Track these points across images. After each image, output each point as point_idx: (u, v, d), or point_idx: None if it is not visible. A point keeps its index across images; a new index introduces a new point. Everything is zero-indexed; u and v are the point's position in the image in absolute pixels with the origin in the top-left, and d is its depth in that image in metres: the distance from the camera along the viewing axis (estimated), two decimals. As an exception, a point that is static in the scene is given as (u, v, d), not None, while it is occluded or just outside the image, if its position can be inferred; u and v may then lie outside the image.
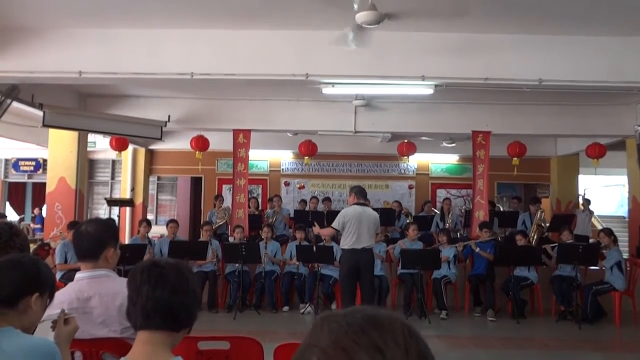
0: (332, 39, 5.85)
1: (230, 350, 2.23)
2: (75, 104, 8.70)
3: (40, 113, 7.48)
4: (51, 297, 1.84)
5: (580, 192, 12.19)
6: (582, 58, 5.97)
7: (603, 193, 17.22)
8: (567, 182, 12.19)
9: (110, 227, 2.35)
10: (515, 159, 9.59)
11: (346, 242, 6.17)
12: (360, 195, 6.35)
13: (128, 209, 11.80)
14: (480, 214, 8.80)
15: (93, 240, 2.21)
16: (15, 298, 1.70)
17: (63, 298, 2.30)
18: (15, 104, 6.89)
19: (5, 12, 5.54)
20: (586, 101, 8.56)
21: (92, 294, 2.22)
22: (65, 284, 2.44)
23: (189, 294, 1.58)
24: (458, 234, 9.94)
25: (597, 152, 9.48)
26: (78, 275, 2.31)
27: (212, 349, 2.29)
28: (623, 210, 14.17)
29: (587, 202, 10.70)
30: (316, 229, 6.85)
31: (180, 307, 1.55)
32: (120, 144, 9.80)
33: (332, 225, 6.36)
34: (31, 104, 7.22)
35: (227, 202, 10.67)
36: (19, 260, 1.79)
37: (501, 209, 10.74)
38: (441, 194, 12.59)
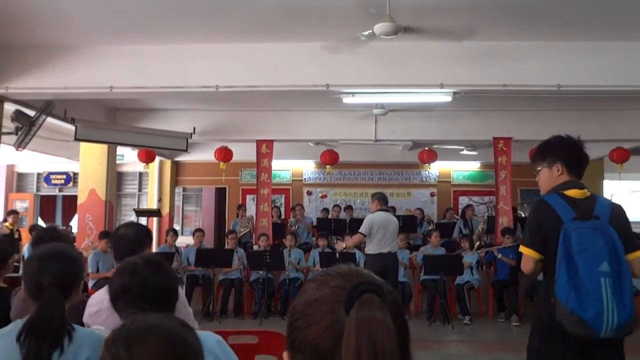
0: (352, 50, 6.02)
1: (258, 344, 2.38)
2: (104, 118, 9.02)
3: (71, 127, 7.78)
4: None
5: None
6: (600, 63, 6.00)
7: (630, 198, 16.93)
8: (591, 187, 11.66)
9: (146, 230, 2.52)
10: (538, 165, 9.54)
11: (373, 248, 6.36)
12: (383, 201, 6.59)
13: (155, 219, 12.09)
14: (504, 220, 8.81)
15: (133, 242, 2.37)
16: (72, 290, 1.82)
17: (102, 297, 2.47)
18: (48, 119, 7.20)
19: (40, 32, 5.85)
20: (608, 106, 8.52)
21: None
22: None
23: (177, 280, 1.80)
24: (481, 240, 9.95)
25: (621, 157, 9.42)
26: (117, 275, 2.47)
27: (241, 343, 2.44)
28: (651, 216, 13.92)
29: None
30: (344, 244, 6.98)
31: (174, 291, 1.74)
32: (147, 156, 10.09)
33: (359, 231, 6.51)
34: (64, 118, 7.52)
35: (250, 211, 10.87)
36: (66, 251, 1.89)
37: (522, 215, 10.69)
38: (463, 201, 12.59)
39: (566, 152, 2.50)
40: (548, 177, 2.53)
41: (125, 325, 1.09)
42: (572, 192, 2.41)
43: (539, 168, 2.55)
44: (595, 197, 2.44)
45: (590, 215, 2.32)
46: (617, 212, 2.40)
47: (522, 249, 2.42)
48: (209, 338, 1.74)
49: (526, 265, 2.38)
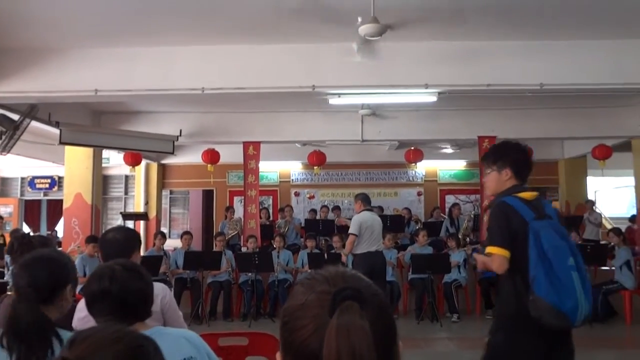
0: (337, 52, 6.05)
1: (249, 346, 2.39)
2: (89, 121, 8.96)
3: (56, 131, 7.71)
4: (75, 285, 1.97)
5: (591, 195, 12.21)
6: (582, 61, 6.10)
7: (614, 195, 17.17)
8: (575, 184, 12.25)
9: (135, 233, 2.52)
10: (523, 162, 9.67)
11: (362, 247, 6.37)
12: (367, 202, 6.64)
13: (142, 222, 12.02)
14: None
15: (122, 246, 2.37)
16: (54, 293, 1.82)
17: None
18: (32, 123, 7.14)
19: (24, 35, 5.80)
20: (591, 103, 8.66)
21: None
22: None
23: (152, 285, 1.79)
24: (467, 238, 10.03)
25: (603, 154, 9.57)
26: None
27: (231, 345, 2.45)
28: (635, 211, 14.13)
29: (591, 203, 10.73)
30: (344, 257, 6.96)
31: (151, 295, 1.75)
32: (133, 159, 10.03)
33: (351, 232, 6.48)
34: (48, 122, 7.45)
35: (238, 213, 10.86)
36: (49, 255, 1.89)
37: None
38: (450, 199, 12.70)
39: (515, 158, 2.63)
40: (496, 180, 2.64)
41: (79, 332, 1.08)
42: (524, 195, 2.53)
43: (489, 171, 2.66)
44: (540, 199, 2.57)
45: (544, 214, 2.45)
46: (558, 213, 2.60)
47: (494, 249, 2.44)
48: (190, 333, 1.79)
49: (502, 265, 2.43)
